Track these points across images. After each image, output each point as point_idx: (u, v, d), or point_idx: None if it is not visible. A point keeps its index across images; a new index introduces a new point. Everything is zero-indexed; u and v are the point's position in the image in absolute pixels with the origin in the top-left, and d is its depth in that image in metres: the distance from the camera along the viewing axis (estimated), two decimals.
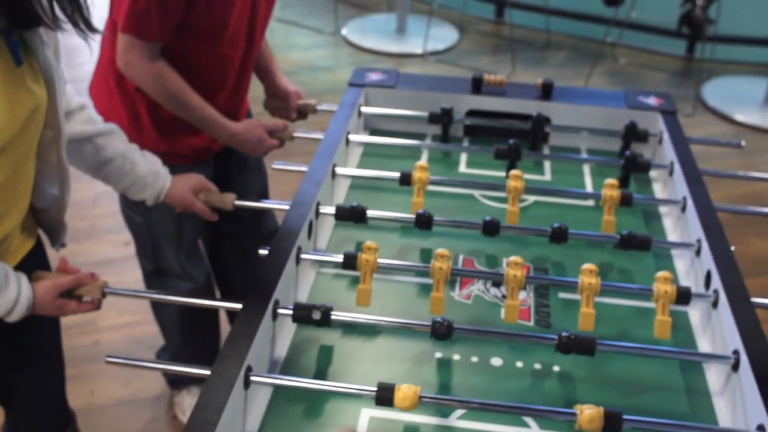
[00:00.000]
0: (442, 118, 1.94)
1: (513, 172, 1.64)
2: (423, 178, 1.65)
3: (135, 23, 1.62)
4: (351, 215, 1.56)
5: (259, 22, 1.84)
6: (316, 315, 1.27)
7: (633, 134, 1.93)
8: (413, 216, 1.57)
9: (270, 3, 1.87)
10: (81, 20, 1.19)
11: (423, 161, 1.89)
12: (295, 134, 1.90)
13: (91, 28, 1.22)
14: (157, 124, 1.82)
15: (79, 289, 1.32)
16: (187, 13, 1.65)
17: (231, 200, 1.63)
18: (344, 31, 5.11)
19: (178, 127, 1.81)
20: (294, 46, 4.91)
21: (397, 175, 1.68)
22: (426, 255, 1.58)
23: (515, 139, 1.82)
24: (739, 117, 4.25)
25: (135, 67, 1.68)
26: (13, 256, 1.35)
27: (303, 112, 2.03)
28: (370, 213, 1.56)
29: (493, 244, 1.61)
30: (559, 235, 1.53)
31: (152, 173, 1.57)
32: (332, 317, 1.28)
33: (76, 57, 4.49)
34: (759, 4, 4.76)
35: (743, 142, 2.06)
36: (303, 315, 1.28)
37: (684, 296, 1.36)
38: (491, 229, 1.53)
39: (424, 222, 1.55)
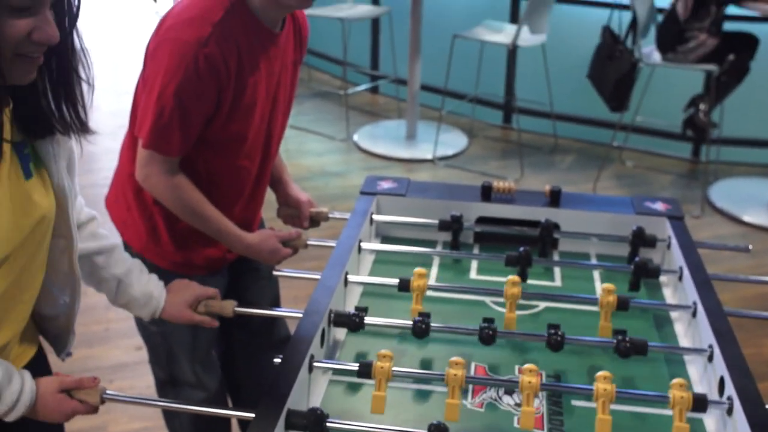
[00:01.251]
0: (452, 225, 1.98)
1: (510, 278, 1.66)
2: (421, 285, 1.67)
3: (157, 139, 1.68)
4: (348, 323, 1.58)
5: (275, 134, 1.90)
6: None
7: (641, 239, 1.95)
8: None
9: (286, 115, 1.94)
10: (77, 120, 1.24)
11: (433, 268, 1.92)
12: (309, 242, 1.93)
13: (86, 129, 1.26)
14: (174, 236, 1.86)
15: (78, 391, 1.33)
16: (207, 126, 1.72)
17: (231, 308, 1.64)
18: (356, 138, 5.23)
19: (195, 239, 1.85)
20: (307, 153, 5.02)
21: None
22: (437, 363, 1.59)
23: (525, 245, 1.85)
24: (747, 218, 4.28)
25: (154, 180, 1.73)
26: (13, 364, 1.36)
27: (315, 220, 2.07)
28: (368, 320, 1.58)
29: (503, 350, 1.62)
30: (554, 345, 1.54)
31: (145, 295, 1.59)
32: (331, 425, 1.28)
33: (94, 163, 4.61)
34: (761, 107, 4.86)
35: (750, 246, 2.08)
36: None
37: (701, 403, 1.35)
38: (487, 337, 1.54)
39: (420, 331, 1.56)
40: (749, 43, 4.25)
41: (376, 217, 2.04)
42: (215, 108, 1.70)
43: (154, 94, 1.65)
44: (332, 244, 1.85)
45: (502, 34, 4.68)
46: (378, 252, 2.00)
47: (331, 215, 2.07)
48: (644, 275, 1.84)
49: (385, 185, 2.12)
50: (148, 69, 1.70)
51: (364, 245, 1.92)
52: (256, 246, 1.85)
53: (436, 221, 2.00)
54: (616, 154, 5.00)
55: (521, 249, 1.83)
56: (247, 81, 1.72)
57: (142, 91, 1.71)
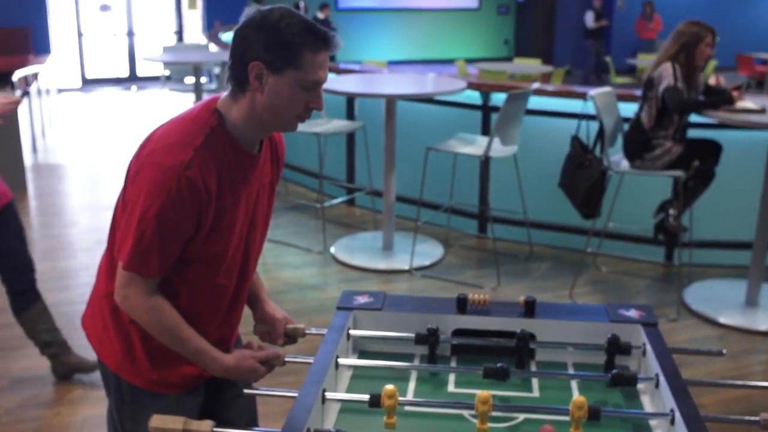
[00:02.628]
0: (428, 338, 1.99)
1: (479, 395, 1.63)
2: (392, 403, 1.65)
3: (137, 261, 1.70)
4: None
5: (253, 253, 1.93)
6: None
7: (616, 347, 1.97)
8: None
9: (263, 233, 1.97)
10: None
11: (411, 382, 1.92)
12: (286, 358, 1.93)
13: None
14: (149, 354, 1.85)
15: None
16: (187, 247, 1.74)
17: (209, 429, 1.61)
18: (333, 250, 5.27)
19: (171, 357, 1.84)
20: (284, 266, 5.04)
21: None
22: None
23: (502, 356, 1.86)
24: (723, 319, 4.32)
25: (133, 302, 1.74)
26: None
27: (292, 336, 2.07)
28: None
29: None
30: None
31: None
32: None
33: (71, 279, 4.59)
34: (729, 210, 4.98)
35: (725, 351, 2.10)
36: None
37: None
38: None
39: None
40: (713, 149, 4.40)
41: (353, 332, 2.05)
42: (195, 230, 1.72)
43: (135, 216, 1.68)
44: (310, 360, 1.85)
45: (475, 145, 4.80)
46: (356, 367, 1.99)
47: (307, 331, 2.07)
48: (621, 384, 1.85)
49: (362, 300, 2.14)
50: (129, 191, 1.73)
51: (342, 361, 1.91)
52: (233, 368, 1.84)
53: (412, 335, 2.01)
54: (590, 259, 5.06)
55: (499, 365, 1.83)
56: (227, 203, 1.75)
57: (122, 212, 1.74)
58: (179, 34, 14.83)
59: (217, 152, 1.72)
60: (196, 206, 1.69)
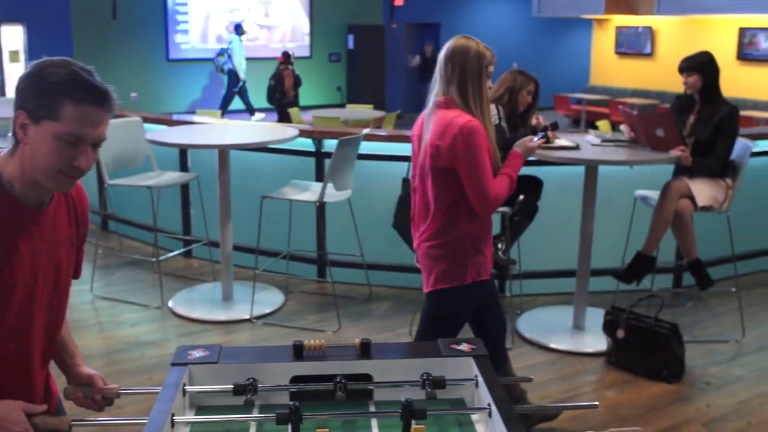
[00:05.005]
0: (246, 389, 1.97)
1: None
2: None
3: None
4: None
5: (50, 315, 1.84)
6: None
7: (432, 383, 2.04)
8: None
9: (63, 294, 1.88)
10: None
11: None
12: (121, 420, 1.87)
13: None
14: None
15: None
16: None
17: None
18: (171, 304, 5.14)
19: None
20: (120, 324, 4.86)
21: None
22: None
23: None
24: (553, 345, 4.55)
25: None
26: None
27: (107, 398, 2.01)
28: None
29: None
30: None
31: None
32: None
33: None
34: (552, 242, 5.27)
35: (532, 377, 2.24)
36: None
37: None
38: None
39: None
40: (535, 184, 4.66)
41: (188, 388, 2.01)
42: None
43: None
44: (144, 420, 1.80)
45: (309, 192, 4.85)
46: (193, 423, 1.95)
47: (143, 390, 2.02)
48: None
49: (197, 354, 2.11)
50: None
51: (178, 419, 1.87)
52: None
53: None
54: None
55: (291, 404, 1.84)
56: (2, 261, 1.68)
57: None
58: (1, 88, 14.14)
59: None
60: None
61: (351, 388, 2.01)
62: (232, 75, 15.20)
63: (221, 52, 15.34)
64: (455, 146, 2.89)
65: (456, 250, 3.01)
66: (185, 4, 16.52)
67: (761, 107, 12.63)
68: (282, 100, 13.37)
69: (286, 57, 13.89)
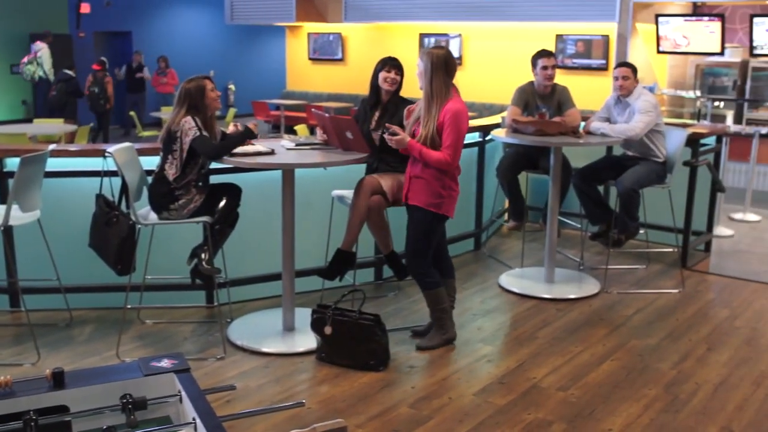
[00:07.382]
0: None
1: None
2: None
3: None
4: None
5: None
6: None
7: (134, 404, 2.00)
8: None
9: None
10: None
11: None
12: None
13: None
14: None
15: None
16: None
17: None
18: None
19: None
20: None
21: None
22: None
23: None
24: (266, 348, 4.60)
25: None
26: None
27: None
28: None
29: None
30: None
31: None
32: None
33: None
34: (256, 247, 5.34)
35: (236, 385, 2.26)
36: None
37: None
38: None
39: None
40: (234, 191, 4.68)
41: None
42: None
43: None
44: None
45: None
46: None
47: None
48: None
49: None
50: None
51: None
52: None
53: None
54: (134, 315, 5.03)
55: None
56: None
57: None
58: None
59: None
60: None
61: (44, 423, 1.90)
62: (44, 82, 14.96)
63: (30, 62, 14.99)
64: None
65: None
66: None
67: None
68: (106, 106, 14.19)
69: (102, 64, 14.39)
